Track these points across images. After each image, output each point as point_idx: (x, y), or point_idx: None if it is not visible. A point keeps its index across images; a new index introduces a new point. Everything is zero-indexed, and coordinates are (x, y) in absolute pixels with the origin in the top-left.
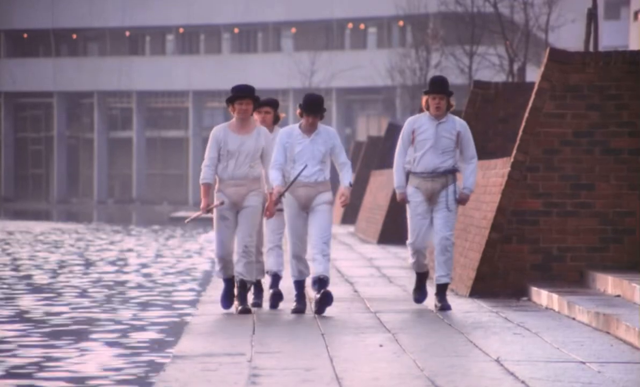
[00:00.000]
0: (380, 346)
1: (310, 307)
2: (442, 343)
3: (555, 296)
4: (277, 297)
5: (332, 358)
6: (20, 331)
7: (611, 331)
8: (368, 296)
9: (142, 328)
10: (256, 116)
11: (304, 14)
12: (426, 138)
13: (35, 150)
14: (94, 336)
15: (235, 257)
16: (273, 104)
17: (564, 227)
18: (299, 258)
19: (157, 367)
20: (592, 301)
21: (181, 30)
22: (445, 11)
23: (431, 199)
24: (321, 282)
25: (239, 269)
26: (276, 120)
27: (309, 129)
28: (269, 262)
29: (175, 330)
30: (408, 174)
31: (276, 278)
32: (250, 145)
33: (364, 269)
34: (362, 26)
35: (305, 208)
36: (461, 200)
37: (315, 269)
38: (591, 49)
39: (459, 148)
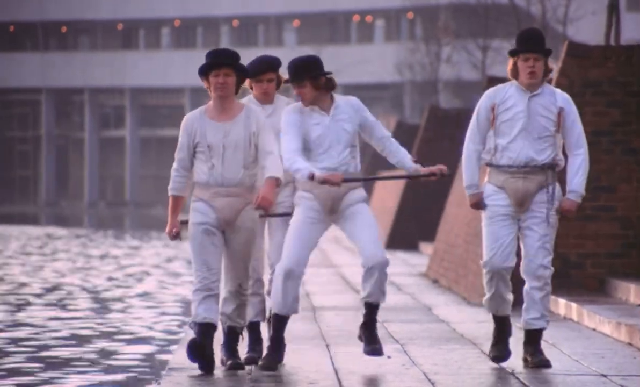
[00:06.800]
0: (389, 357)
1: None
2: (454, 355)
3: (574, 305)
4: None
5: (337, 370)
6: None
7: (634, 343)
8: None
9: (136, 339)
10: (255, 89)
11: (308, 6)
12: (515, 117)
13: (22, 150)
14: (89, 345)
15: (222, 295)
16: (276, 65)
17: (583, 232)
18: (290, 276)
19: (151, 380)
20: (613, 310)
21: (177, 23)
22: (457, 3)
23: (522, 204)
24: (370, 311)
25: (227, 312)
26: (278, 85)
27: (323, 103)
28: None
29: (171, 340)
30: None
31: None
32: (238, 135)
33: None
34: (369, 18)
35: (331, 212)
36: (566, 210)
37: (368, 290)
38: (612, 42)
39: (560, 132)
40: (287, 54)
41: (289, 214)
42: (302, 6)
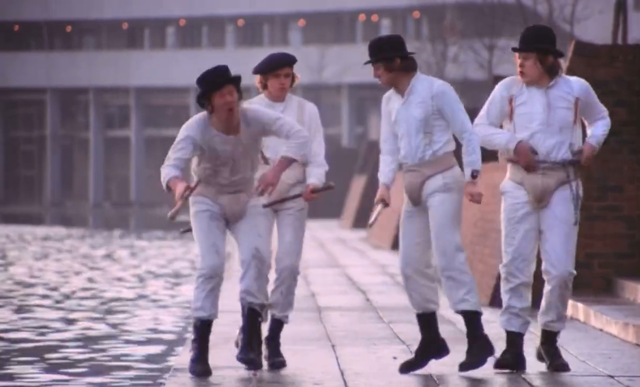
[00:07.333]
0: (395, 358)
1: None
2: (461, 356)
3: (580, 306)
4: (279, 366)
5: (343, 371)
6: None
7: None
8: (381, 305)
9: (141, 340)
10: (272, 84)
11: (313, 5)
12: (531, 111)
13: (27, 150)
14: (93, 346)
15: (240, 272)
16: (293, 61)
17: (590, 231)
18: (407, 277)
19: (156, 381)
20: (620, 310)
21: (182, 22)
22: (463, 2)
23: (541, 200)
24: (471, 320)
25: (246, 287)
26: (291, 83)
27: (401, 86)
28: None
29: (175, 341)
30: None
31: (278, 325)
32: (247, 144)
33: (377, 276)
34: (374, 18)
35: (416, 203)
36: (586, 157)
37: (453, 302)
38: (620, 41)
39: (578, 120)
40: (292, 53)
41: (295, 196)
42: (308, 5)
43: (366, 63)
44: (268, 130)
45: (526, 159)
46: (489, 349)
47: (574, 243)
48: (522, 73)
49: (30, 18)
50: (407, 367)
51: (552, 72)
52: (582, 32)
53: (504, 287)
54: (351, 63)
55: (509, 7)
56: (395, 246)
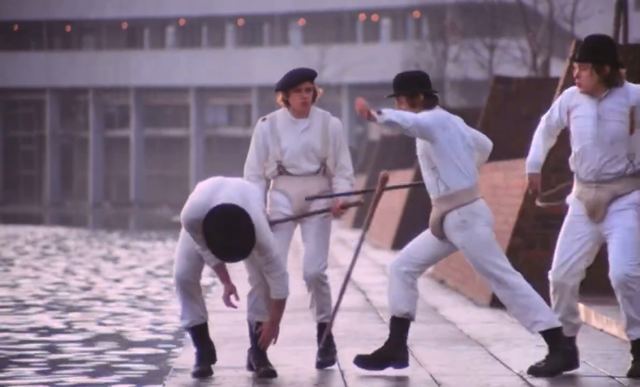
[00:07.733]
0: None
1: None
2: (461, 356)
3: (581, 306)
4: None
5: (343, 371)
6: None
7: None
8: (381, 305)
9: (140, 340)
10: (294, 99)
11: (313, 4)
12: (584, 124)
13: (27, 150)
14: (93, 347)
15: (253, 294)
16: (313, 75)
17: None
18: (390, 277)
19: (156, 381)
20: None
21: (182, 22)
22: (464, 1)
23: (594, 214)
24: (551, 336)
25: (257, 307)
26: (314, 97)
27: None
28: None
29: (175, 342)
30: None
31: (322, 328)
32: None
33: (377, 276)
34: (375, 17)
35: (439, 237)
36: None
37: (526, 327)
38: (620, 41)
39: (638, 127)
40: (292, 53)
41: (323, 211)
42: (308, 5)
43: (389, 96)
44: (260, 256)
45: (530, 187)
46: (566, 363)
47: (633, 245)
48: (579, 84)
49: (30, 18)
50: (361, 361)
51: (608, 82)
52: (582, 31)
53: (552, 288)
54: (351, 63)
55: (510, 7)
56: (395, 246)
